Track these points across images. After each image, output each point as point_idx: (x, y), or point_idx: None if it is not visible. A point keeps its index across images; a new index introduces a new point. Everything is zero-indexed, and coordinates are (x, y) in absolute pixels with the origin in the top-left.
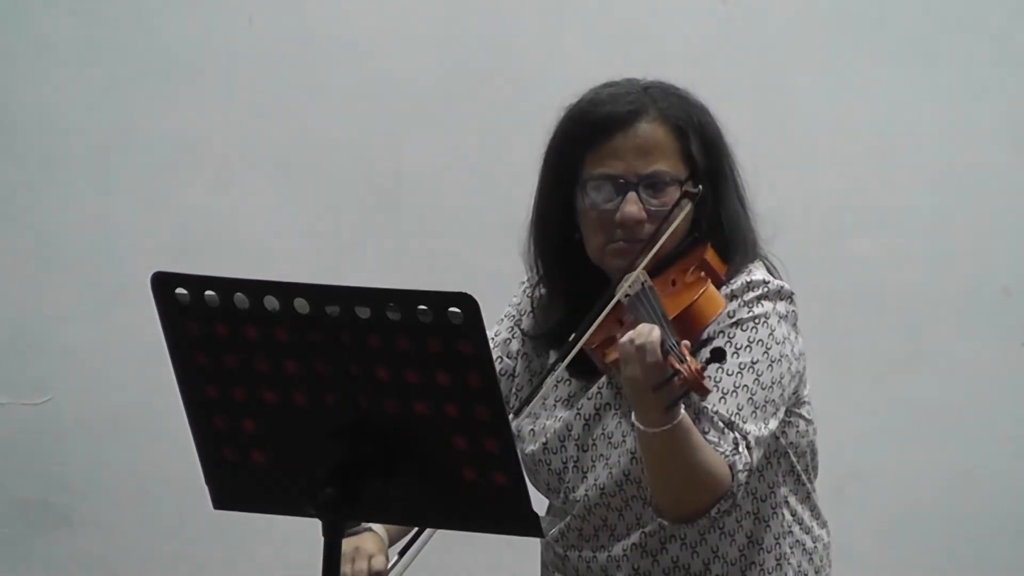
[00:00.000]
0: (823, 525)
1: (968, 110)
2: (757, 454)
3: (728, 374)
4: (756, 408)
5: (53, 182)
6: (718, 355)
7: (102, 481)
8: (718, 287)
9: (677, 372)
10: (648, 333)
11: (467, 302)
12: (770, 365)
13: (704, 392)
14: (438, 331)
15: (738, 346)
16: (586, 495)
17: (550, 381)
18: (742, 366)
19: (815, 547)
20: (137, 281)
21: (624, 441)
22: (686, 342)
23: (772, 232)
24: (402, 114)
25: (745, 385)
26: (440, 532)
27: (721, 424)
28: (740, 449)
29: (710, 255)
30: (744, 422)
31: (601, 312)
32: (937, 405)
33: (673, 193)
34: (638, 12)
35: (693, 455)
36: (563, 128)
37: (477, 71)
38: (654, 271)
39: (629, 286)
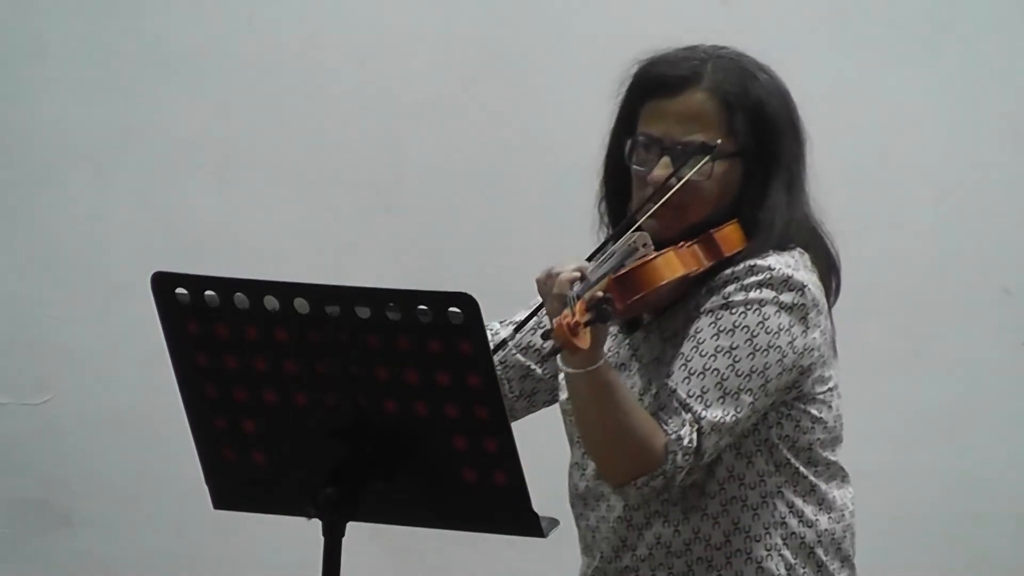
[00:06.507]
0: (839, 518)
1: (968, 110)
2: (713, 440)
3: (701, 355)
4: (725, 394)
5: (53, 182)
6: (602, 315)
7: (102, 481)
8: (718, 265)
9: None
10: (563, 267)
11: (467, 302)
12: (752, 353)
13: (572, 348)
14: (438, 331)
15: (721, 328)
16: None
17: None
18: (718, 349)
19: (818, 540)
20: (137, 281)
21: None
22: (588, 297)
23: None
24: (402, 113)
25: (716, 369)
26: (440, 532)
27: (676, 404)
28: (685, 431)
29: (725, 232)
30: (706, 406)
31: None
32: (937, 405)
33: (709, 166)
34: (637, 13)
35: (614, 413)
36: (629, 79)
37: (477, 71)
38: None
39: (627, 241)
